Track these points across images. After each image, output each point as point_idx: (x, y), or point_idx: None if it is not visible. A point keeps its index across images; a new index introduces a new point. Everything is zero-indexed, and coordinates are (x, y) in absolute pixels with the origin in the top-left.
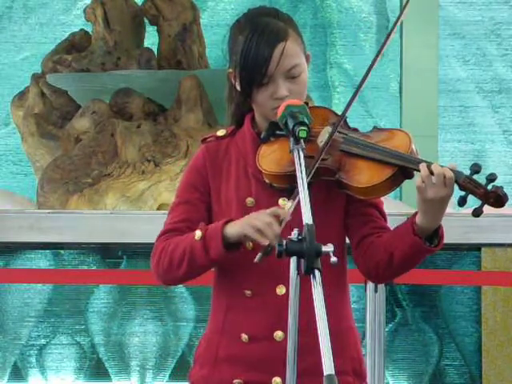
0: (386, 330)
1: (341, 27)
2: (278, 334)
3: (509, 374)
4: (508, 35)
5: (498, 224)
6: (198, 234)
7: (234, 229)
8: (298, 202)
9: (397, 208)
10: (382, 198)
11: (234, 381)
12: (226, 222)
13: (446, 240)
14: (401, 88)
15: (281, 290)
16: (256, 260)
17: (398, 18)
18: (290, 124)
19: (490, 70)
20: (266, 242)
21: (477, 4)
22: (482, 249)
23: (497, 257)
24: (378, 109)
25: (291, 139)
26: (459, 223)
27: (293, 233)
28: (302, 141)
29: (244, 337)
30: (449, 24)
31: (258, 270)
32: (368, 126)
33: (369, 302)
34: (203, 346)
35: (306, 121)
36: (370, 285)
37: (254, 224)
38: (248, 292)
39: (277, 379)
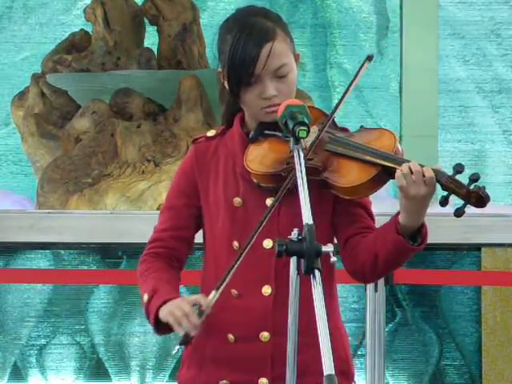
0: (386, 330)
1: (341, 27)
2: (264, 335)
3: (509, 374)
4: (508, 35)
5: (498, 224)
6: (145, 297)
7: (162, 313)
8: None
9: (394, 207)
10: (371, 198)
11: (220, 382)
12: (165, 302)
13: (446, 240)
14: (401, 88)
15: (267, 290)
16: (173, 352)
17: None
18: (290, 124)
19: (490, 70)
20: (181, 333)
21: (477, 4)
22: (482, 249)
23: (497, 257)
24: (378, 109)
25: (291, 139)
26: (459, 223)
27: (293, 233)
28: (302, 141)
29: (230, 337)
30: (449, 24)
31: (245, 271)
32: (368, 125)
33: (369, 302)
34: (191, 346)
35: (305, 121)
36: (370, 285)
37: (174, 313)
38: (234, 292)
39: (263, 380)
